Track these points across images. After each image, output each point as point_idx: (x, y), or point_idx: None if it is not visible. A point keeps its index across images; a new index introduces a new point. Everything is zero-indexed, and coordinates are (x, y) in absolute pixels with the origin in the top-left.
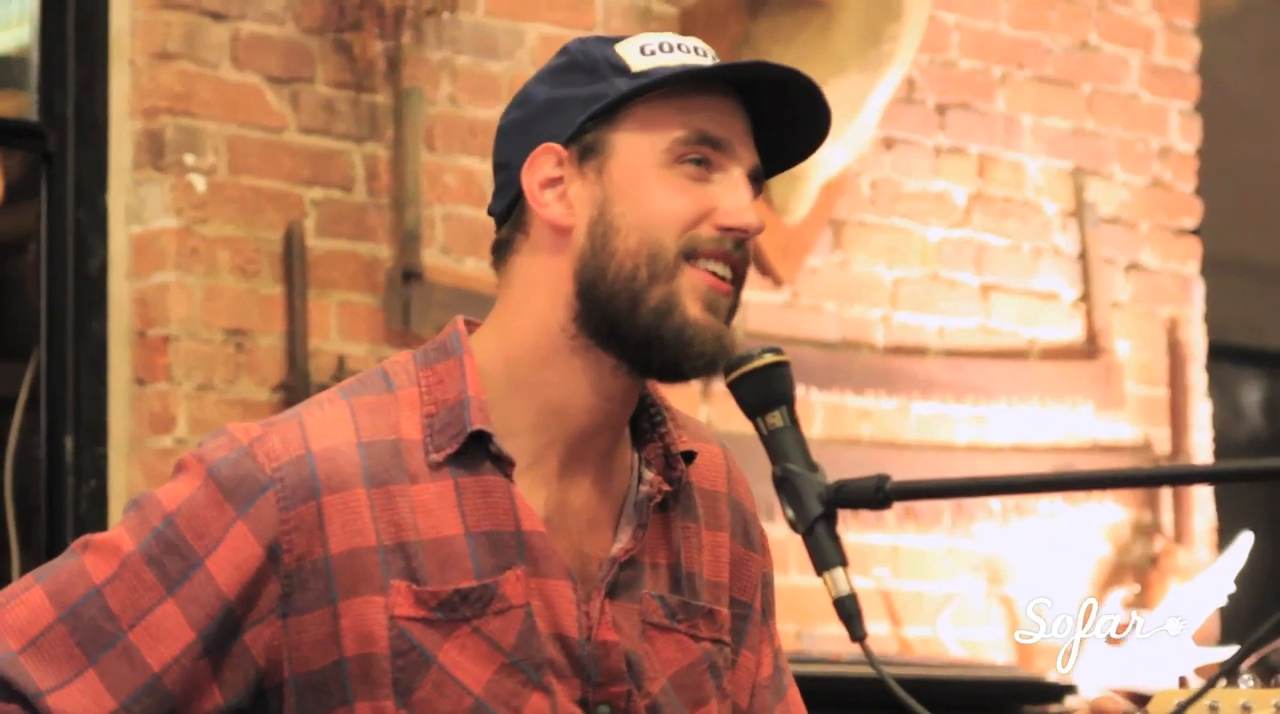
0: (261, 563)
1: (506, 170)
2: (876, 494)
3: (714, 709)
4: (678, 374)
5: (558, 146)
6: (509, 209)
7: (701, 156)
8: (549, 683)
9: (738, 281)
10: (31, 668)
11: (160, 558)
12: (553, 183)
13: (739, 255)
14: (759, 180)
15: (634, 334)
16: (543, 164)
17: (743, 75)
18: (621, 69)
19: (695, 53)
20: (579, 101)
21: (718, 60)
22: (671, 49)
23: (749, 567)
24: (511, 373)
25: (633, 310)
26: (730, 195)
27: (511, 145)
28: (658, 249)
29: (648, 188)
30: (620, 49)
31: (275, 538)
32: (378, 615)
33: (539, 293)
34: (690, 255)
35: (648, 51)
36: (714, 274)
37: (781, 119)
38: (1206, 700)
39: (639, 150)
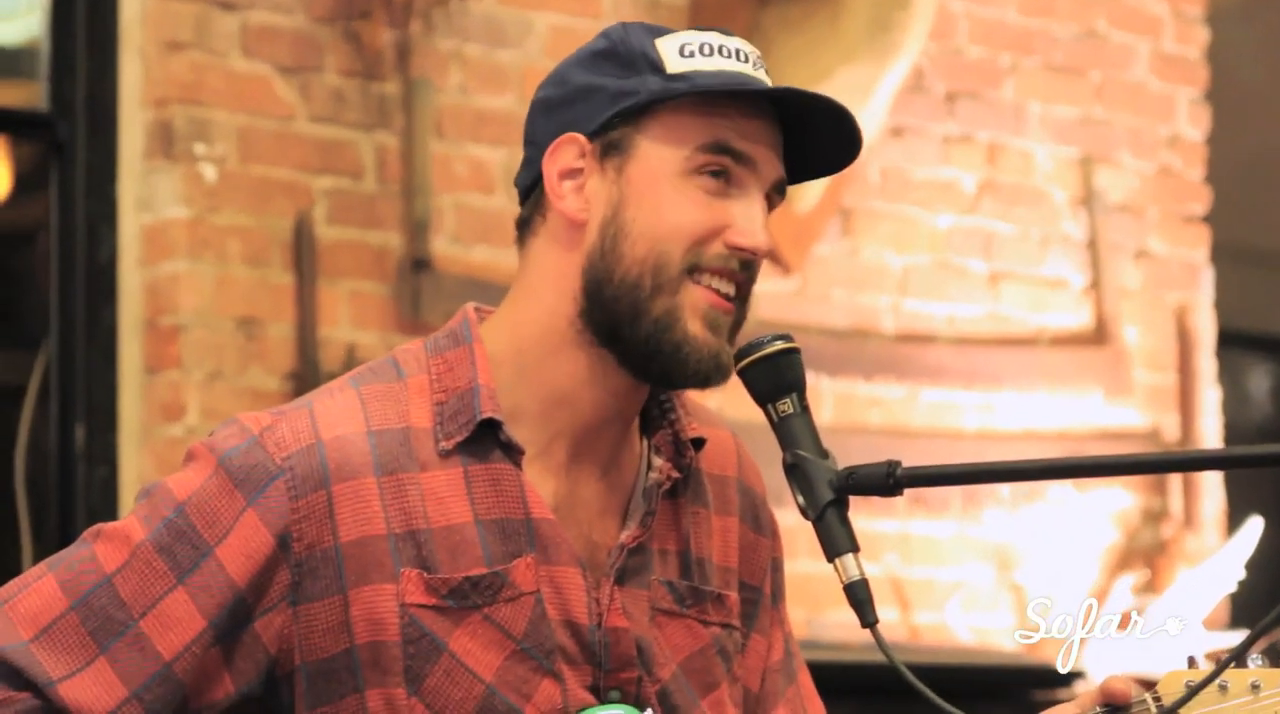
0: (272, 551)
1: (533, 147)
2: (887, 480)
3: (724, 693)
4: (672, 385)
5: (582, 138)
6: (532, 187)
7: (721, 168)
8: (560, 669)
9: (742, 298)
10: (43, 656)
11: (171, 546)
12: (572, 173)
13: (744, 274)
14: (782, 191)
15: (633, 341)
16: (565, 153)
17: (772, 97)
18: (657, 67)
19: (737, 56)
20: (609, 94)
21: (760, 64)
22: (712, 51)
23: (759, 551)
24: (520, 361)
25: (634, 319)
26: (744, 214)
27: (540, 124)
28: (664, 260)
29: (663, 196)
30: (661, 45)
31: (285, 526)
32: (388, 603)
33: (549, 283)
34: (694, 270)
35: (687, 52)
36: (716, 292)
37: (812, 134)
38: (1216, 679)
39: (660, 156)
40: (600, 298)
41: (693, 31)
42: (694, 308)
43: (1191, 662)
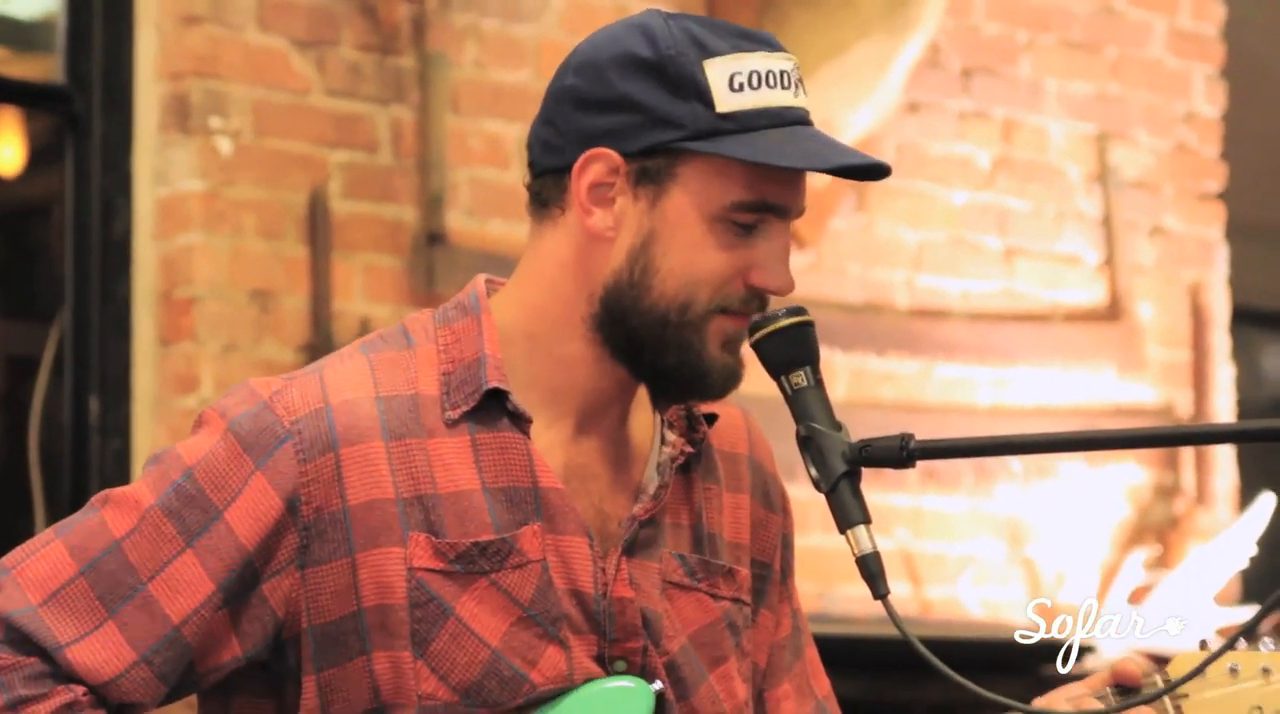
0: (280, 515)
1: (556, 132)
2: (900, 453)
3: (733, 668)
4: (682, 401)
5: (617, 157)
6: (553, 171)
7: (756, 220)
8: (565, 637)
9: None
10: (51, 621)
11: (180, 511)
12: (602, 187)
13: (763, 308)
14: (803, 208)
15: (653, 365)
16: (597, 168)
17: (822, 169)
18: (706, 99)
19: (781, 81)
20: (652, 117)
21: (799, 84)
22: (759, 83)
23: (769, 528)
24: (530, 341)
25: (657, 349)
26: (771, 256)
27: (570, 116)
28: (691, 302)
29: (696, 238)
30: (711, 71)
31: (294, 490)
32: (396, 567)
33: (567, 280)
34: (720, 311)
35: (736, 84)
36: (737, 317)
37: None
38: (1226, 663)
39: (697, 199)
40: (624, 324)
41: (740, 55)
42: (717, 335)
43: (1203, 645)
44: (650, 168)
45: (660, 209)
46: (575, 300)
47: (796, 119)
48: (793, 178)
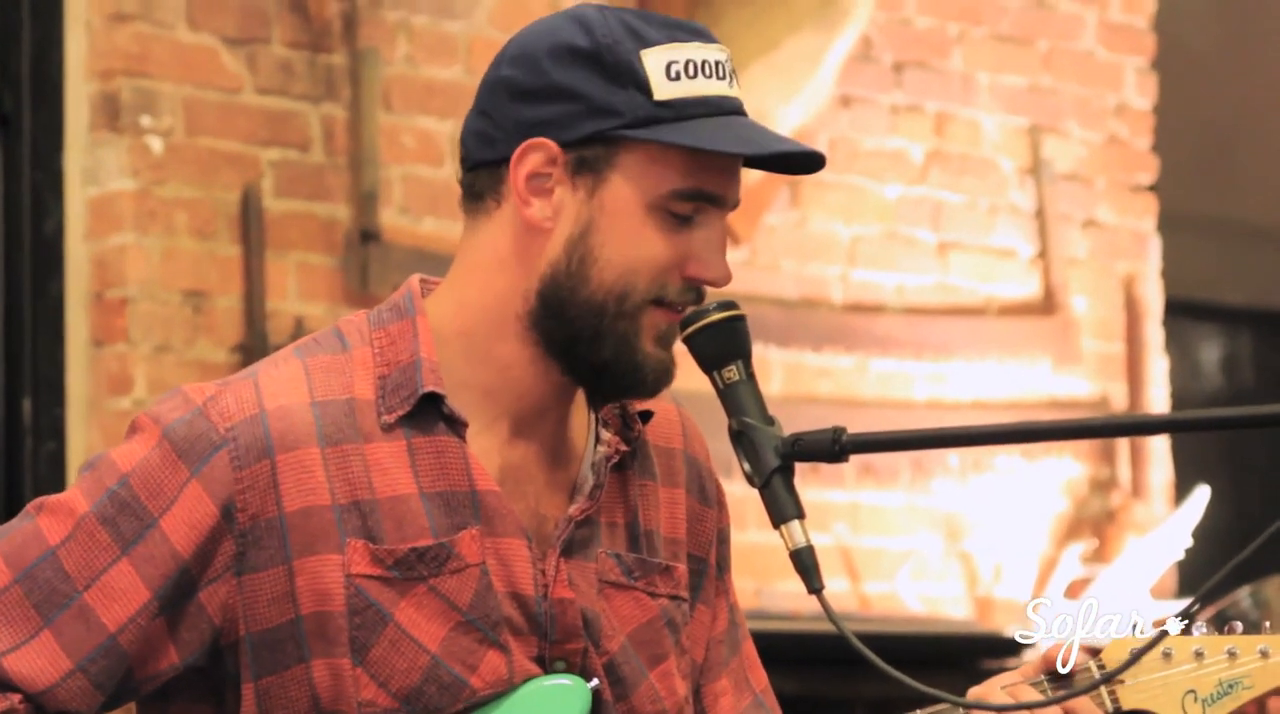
0: (216, 522)
1: (492, 124)
2: (833, 446)
3: (673, 665)
4: (620, 398)
5: (554, 146)
6: (489, 163)
7: (694, 210)
8: (505, 641)
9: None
10: None
11: (115, 518)
12: (540, 177)
13: (699, 300)
14: (738, 201)
15: (587, 360)
16: (535, 158)
17: (760, 155)
18: (644, 87)
19: (716, 72)
20: (590, 107)
21: (733, 74)
22: (695, 72)
23: (705, 522)
24: (466, 342)
25: (593, 341)
26: (708, 248)
27: (506, 107)
28: (628, 292)
29: (634, 228)
30: (647, 60)
31: (229, 497)
32: (334, 574)
33: (503, 276)
34: (657, 302)
35: (673, 73)
36: (672, 310)
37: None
38: (1160, 648)
39: (636, 187)
40: (561, 315)
41: (676, 45)
42: (652, 328)
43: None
44: (589, 157)
45: (599, 198)
46: (511, 297)
47: (732, 109)
48: (729, 167)
